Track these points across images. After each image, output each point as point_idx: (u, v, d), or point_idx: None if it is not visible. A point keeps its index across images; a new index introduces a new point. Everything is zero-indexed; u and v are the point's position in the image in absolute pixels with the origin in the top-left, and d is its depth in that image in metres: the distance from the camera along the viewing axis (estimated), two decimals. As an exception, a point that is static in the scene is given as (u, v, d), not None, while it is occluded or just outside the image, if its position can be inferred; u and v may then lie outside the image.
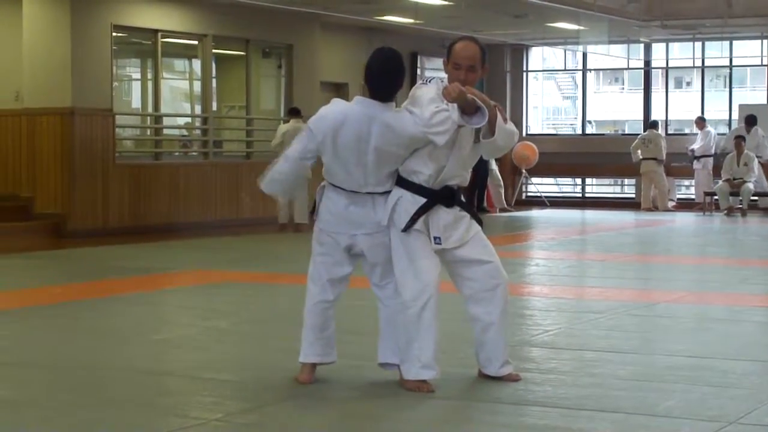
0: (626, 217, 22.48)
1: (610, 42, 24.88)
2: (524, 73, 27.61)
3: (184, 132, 20.38)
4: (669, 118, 26.40)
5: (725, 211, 22.28)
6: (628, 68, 28.50)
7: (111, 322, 8.80)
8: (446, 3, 19.33)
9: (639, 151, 23.96)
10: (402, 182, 6.11)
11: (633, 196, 26.15)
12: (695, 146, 24.42)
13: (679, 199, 25.41)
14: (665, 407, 5.72)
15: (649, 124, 24.73)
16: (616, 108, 34.54)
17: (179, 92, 20.52)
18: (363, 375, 6.38)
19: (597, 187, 28.10)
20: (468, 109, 5.93)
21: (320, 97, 20.23)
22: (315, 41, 21.30)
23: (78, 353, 7.34)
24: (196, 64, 19.71)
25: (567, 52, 27.58)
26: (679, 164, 24.64)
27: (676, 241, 17.77)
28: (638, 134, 25.10)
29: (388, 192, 6.12)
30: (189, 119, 20.18)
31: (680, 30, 23.30)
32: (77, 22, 16.91)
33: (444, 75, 6.21)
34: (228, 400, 5.94)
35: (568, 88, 33.36)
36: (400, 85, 6.11)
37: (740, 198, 22.25)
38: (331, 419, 5.60)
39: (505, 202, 24.19)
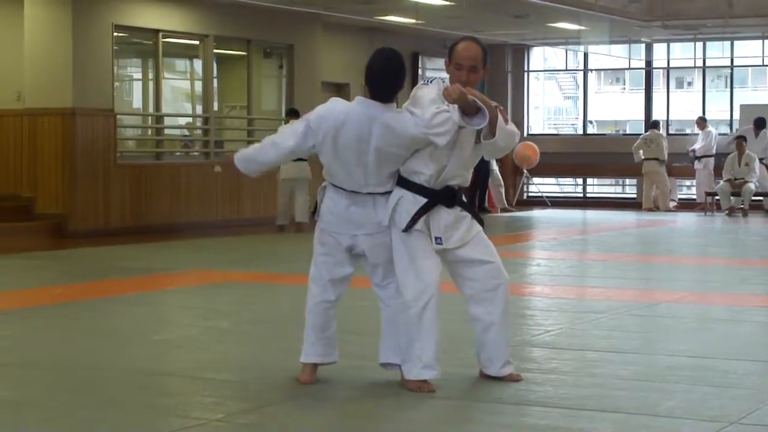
0: (627, 217, 22.48)
1: (612, 42, 24.88)
2: (525, 73, 27.61)
3: (186, 132, 20.38)
4: (670, 118, 26.39)
5: (726, 212, 22.27)
6: (629, 68, 28.49)
7: (112, 322, 8.80)
8: (447, 3, 19.32)
9: (641, 152, 23.95)
10: (403, 182, 6.11)
11: (634, 196, 26.14)
12: (696, 146, 24.42)
13: (680, 199, 25.41)
14: (666, 407, 5.71)
15: (651, 124, 24.72)
16: (617, 108, 34.55)
17: (180, 92, 20.53)
18: (364, 375, 6.38)
19: (598, 187, 28.10)
20: (469, 110, 5.93)
21: (321, 97, 20.20)
22: (316, 41, 21.31)
23: (79, 353, 7.34)
24: (198, 64, 19.72)
25: (568, 52, 27.58)
26: (681, 164, 24.64)
27: (677, 241, 17.77)
28: (639, 134, 25.10)
29: (389, 192, 6.12)
30: (190, 119, 20.19)
31: (681, 30, 23.29)
32: (78, 22, 16.91)
33: (445, 75, 6.21)
34: (229, 400, 5.93)
35: (569, 88, 33.38)
36: (400, 85, 6.11)
37: (741, 198, 22.24)
38: (332, 419, 5.60)
39: (506, 202, 24.19)
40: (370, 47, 20.62)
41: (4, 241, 15.37)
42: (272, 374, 6.48)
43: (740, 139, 22.67)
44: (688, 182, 25.96)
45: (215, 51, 19.54)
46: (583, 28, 22.29)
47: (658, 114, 26.15)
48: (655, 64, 26.66)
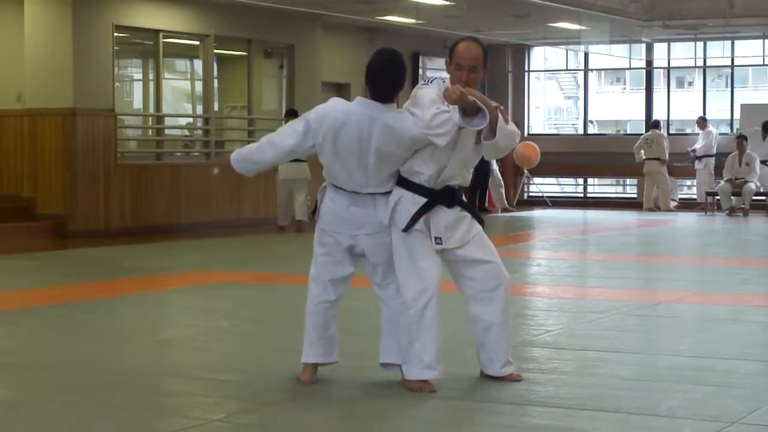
0: (628, 217, 22.47)
1: (612, 42, 24.87)
2: (526, 73, 27.61)
3: (186, 132, 20.38)
4: (671, 118, 26.39)
5: (727, 211, 22.27)
6: (629, 68, 28.47)
7: (112, 322, 8.80)
8: (448, 3, 19.32)
9: (642, 151, 23.95)
10: (403, 182, 6.11)
11: (635, 196, 26.14)
12: (696, 146, 24.41)
13: (680, 199, 25.40)
14: (667, 407, 5.71)
15: (651, 124, 24.71)
16: (617, 108, 34.53)
17: (181, 92, 20.53)
18: (365, 375, 6.38)
19: (599, 187, 28.09)
20: (469, 111, 5.93)
21: (322, 97, 20.16)
22: (316, 41, 21.31)
23: (79, 354, 7.34)
24: (198, 64, 19.72)
25: (569, 52, 27.57)
26: (681, 164, 24.63)
27: (677, 241, 17.76)
28: (640, 134, 25.10)
29: (389, 192, 6.12)
30: (191, 119, 20.19)
31: (682, 30, 23.29)
32: (79, 22, 16.91)
33: (446, 75, 6.21)
34: (229, 400, 5.93)
35: (569, 88, 33.35)
36: (401, 86, 6.11)
37: (742, 198, 22.23)
38: (333, 419, 5.61)
39: (506, 202, 24.18)
40: (370, 47, 20.64)
41: (4, 241, 15.38)
42: (273, 374, 6.48)
43: (741, 139, 22.67)
44: (688, 182, 25.96)
45: (216, 51, 19.54)
46: (583, 27, 22.29)
47: (658, 114, 26.14)
48: (655, 63, 26.65)
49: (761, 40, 25.22)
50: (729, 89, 26.80)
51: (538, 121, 28.69)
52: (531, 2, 18.88)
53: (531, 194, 26.84)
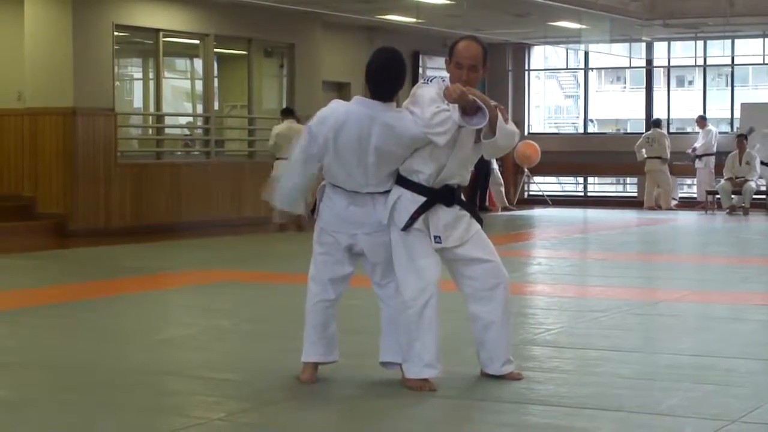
0: (628, 215, 22.48)
1: (612, 41, 24.84)
2: (526, 72, 27.60)
3: (186, 131, 20.38)
4: (671, 116, 26.38)
5: (727, 210, 22.27)
6: (630, 67, 28.47)
7: (112, 321, 8.80)
8: (448, 2, 19.32)
9: (643, 150, 23.95)
10: (402, 181, 6.10)
11: (635, 194, 26.13)
12: (696, 145, 24.41)
13: (681, 198, 25.39)
14: (668, 406, 5.71)
15: (653, 123, 24.69)
16: (618, 107, 34.51)
17: (181, 92, 20.53)
18: (365, 374, 6.38)
19: (599, 185, 28.10)
20: (469, 110, 5.93)
21: (322, 96, 20.23)
22: (317, 40, 21.31)
23: (79, 353, 7.34)
24: (198, 63, 19.72)
25: (569, 51, 27.56)
26: (681, 163, 24.63)
27: (678, 240, 17.76)
28: (640, 133, 25.11)
29: (388, 191, 6.11)
30: (191, 119, 20.19)
31: (682, 29, 23.28)
32: (79, 21, 16.91)
33: (445, 74, 6.20)
34: (230, 399, 5.93)
35: (570, 87, 33.34)
36: (401, 85, 6.10)
37: (742, 197, 22.23)
38: (333, 418, 5.60)
39: (506, 200, 24.19)
40: (370, 46, 20.63)
41: (4, 240, 15.38)
42: (273, 373, 6.48)
43: (741, 138, 22.68)
44: (689, 181, 25.95)
45: (216, 50, 19.54)
46: (583, 26, 22.28)
47: (658, 113, 26.13)
48: (655, 62, 26.64)
49: (761, 39, 25.21)
50: (729, 88, 26.80)
51: (539, 120, 28.69)
52: (531, 1, 18.88)
53: (531, 193, 26.84)
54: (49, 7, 16.92)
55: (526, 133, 26.32)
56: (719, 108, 27.61)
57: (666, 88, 26.73)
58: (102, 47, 17.26)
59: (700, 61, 26.29)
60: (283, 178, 6.28)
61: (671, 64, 26.78)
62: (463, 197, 6.27)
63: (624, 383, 6.25)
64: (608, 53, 26.58)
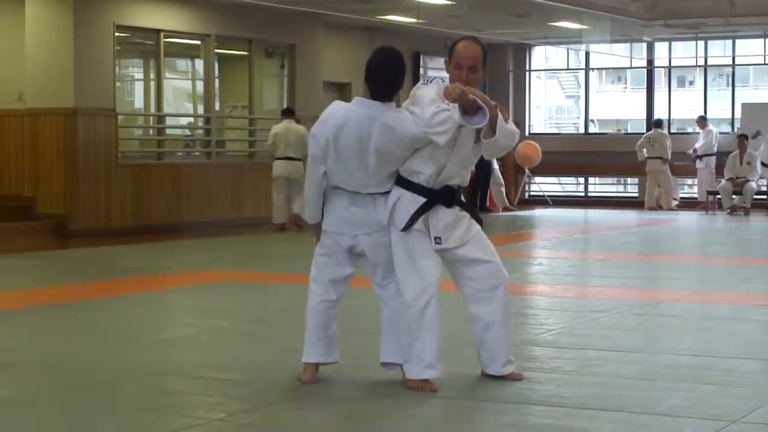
0: (629, 216, 22.47)
1: (613, 41, 24.85)
2: (527, 73, 27.60)
3: (187, 132, 20.38)
4: (672, 117, 26.38)
5: (728, 210, 22.27)
6: (630, 67, 28.46)
7: (113, 322, 8.80)
8: (448, 2, 19.32)
9: (644, 150, 23.94)
10: (402, 182, 6.10)
11: (636, 195, 26.14)
12: (697, 145, 24.40)
13: (682, 198, 25.39)
14: (668, 406, 5.71)
15: (654, 123, 24.68)
16: (618, 107, 34.50)
17: (182, 92, 20.53)
18: (365, 374, 6.38)
19: (600, 186, 28.09)
20: (469, 109, 5.92)
21: (323, 97, 20.25)
22: (317, 41, 21.31)
23: (79, 353, 7.34)
24: (199, 64, 19.72)
25: (570, 51, 27.56)
26: (682, 163, 24.62)
27: (679, 240, 17.76)
28: (641, 133, 25.11)
29: (388, 192, 6.11)
30: (192, 119, 20.19)
31: (683, 29, 23.28)
32: (80, 22, 16.91)
33: (446, 74, 6.20)
34: (230, 399, 5.93)
35: (570, 88, 33.32)
36: (400, 84, 6.10)
37: (743, 197, 22.23)
38: (334, 419, 5.60)
39: (507, 201, 24.19)
40: (371, 47, 20.60)
41: (5, 240, 15.38)
42: (274, 374, 6.48)
43: (742, 138, 22.68)
44: (689, 181, 25.95)
45: (217, 51, 19.54)
46: (584, 27, 22.29)
47: (659, 113, 26.13)
48: (656, 63, 26.65)
49: (762, 39, 25.21)
50: (730, 88, 26.80)
51: (539, 121, 28.68)
52: (532, 2, 18.88)
53: (532, 193, 26.84)
54: (50, 7, 16.92)
55: (526, 133, 26.32)
56: (720, 108, 27.60)
57: (667, 89, 26.73)
58: (103, 48, 17.26)
59: (701, 62, 26.28)
60: (307, 192, 6.23)
61: (672, 65, 26.78)
62: (463, 198, 6.27)
63: (624, 383, 6.25)
64: (609, 53, 26.58)
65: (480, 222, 6.29)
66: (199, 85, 19.77)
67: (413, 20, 20.92)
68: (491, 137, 6.01)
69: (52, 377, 6.55)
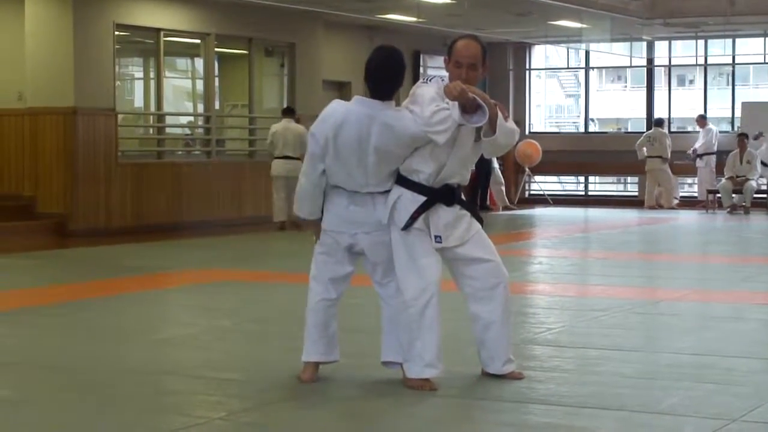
0: (629, 215, 22.47)
1: (613, 40, 24.85)
2: (527, 72, 27.60)
3: (187, 131, 20.38)
4: (672, 116, 26.38)
5: (728, 209, 22.27)
6: (630, 66, 28.48)
7: (113, 321, 8.80)
8: (449, 1, 19.32)
9: (644, 149, 23.94)
10: (402, 181, 6.10)
11: (636, 194, 26.13)
12: (697, 144, 24.40)
13: (682, 197, 25.39)
14: (668, 405, 5.71)
15: (655, 122, 24.66)
16: (618, 106, 34.51)
17: (182, 91, 20.53)
18: (366, 373, 6.38)
19: (600, 185, 28.09)
20: (469, 108, 5.92)
21: (323, 95, 20.24)
22: (317, 40, 21.30)
23: (79, 353, 7.34)
24: (199, 62, 19.72)
25: (570, 50, 27.56)
26: (682, 162, 24.62)
27: (679, 239, 17.76)
28: (641, 132, 25.11)
29: (388, 191, 6.11)
30: (192, 118, 20.19)
31: (683, 28, 23.28)
32: (80, 21, 16.91)
33: (445, 73, 6.20)
34: (231, 398, 5.93)
35: (570, 86, 33.32)
36: (400, 83, 6.10)
37: (743, 196, 22.22)
38: (334, 418, 5.60)
39: (507, 200, 24.19)
40: (371, 46, 20.58)
41: (5, 240, 15.38)
42: (274, 373, 6.48)
43: (742, 137, 22.68)
44: (689, 180, 25.95)
45: (217, 50, 19.53)
46: (584, 26, 22.29)
47: (659, 112, 26.13)
48: (656, 61, 26.65)
49: (762, 38, 25.21)
50: (730, 87, 26.80)
51: (540, 119, 28.68)
52: (532, 0, 18.87)
53: (532, 192, 26.84)
54: (50, 6, 16.92)
55: (527, 132, 26.32)
56: (720, 107, 27.60)
57: (667, 88, 26.74)
58: (103, 47, 17.26)
59: (701, 60, 26.28)
60: (300, 189, 6.23)
61: (672, 63, 26.78)
62: (463, 197, 6.27)
63: (625, 382, 6.25)
64: (609, 52, 26.59)
65: (480, 221, 6.29)
66: (199, 84, 19.76)
67: (413, 19, 20.91)
68: (491, 136, 6.01)
69: (52, 377, 6.55)
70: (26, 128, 17.19)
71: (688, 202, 24.68)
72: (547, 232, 18.21)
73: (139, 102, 19.83)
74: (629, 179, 27.34)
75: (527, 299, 9.87)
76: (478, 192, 22.35)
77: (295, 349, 6.43)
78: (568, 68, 29.55)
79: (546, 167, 25.68)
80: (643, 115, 26.82)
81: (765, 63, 25.97)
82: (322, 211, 6.22)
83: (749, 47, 26.41)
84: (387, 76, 6.06)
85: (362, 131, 5.99)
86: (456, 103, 5.91)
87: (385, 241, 6.11)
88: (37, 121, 17.07)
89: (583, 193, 27.59)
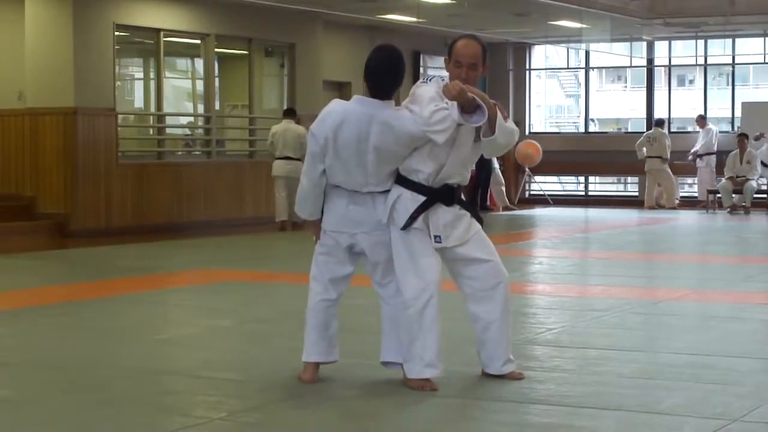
0: (629, 215, 22.47)
1: (613, 40, 24.86)
2: (527, 72, 27.61)
3: (187, 131, 20.39)
4: (672, 116, 26.38)
5: (728, 209, 22.27)
6: (630, 66, 28.48)
7: (113, 321, 8.80)
8: (449, 1, 19.32)
9: (644, 149, 23.94)
10: (401, 181, 6.10)
11: (636, 194, 26.14)
12: (697, 146, 24.39)
13: (682, 197, 25.39)
14: (668, 405, 5.71)
15: (655, 122, 24.67)
16: (618, 106, 34.50)
17: (182, 91, 20.53)
18: (366, 374, 6.38)
19: (600, 185, 28.09)
20: (468, 108, 5.93)
21: (323, 96, 20.24)
22: (317, 40, 21.30)
23: (80, 353, 7.34)
24: (199, 63, 19.72)
25: (570, 50, 27.56)
26: (683, 162, 24.62)
27: (679, 239, 17.76)
28: (641, 132, 25.11)
29: (388, 191, 6.11)
30: (192, 118, 20.19)
31: (683, 28, 23.29)
32: (79, 21, 16.91)
33: (445, 73, 6.21)
34: (231, 399, 5.93)
35: (570, 87, 33.32)
36: (399, 82, 6.10)
37: (743, 196, 22.22)
38: (335, 418, 5.60)
39: (507, 200, 24.19)
40: (371, 46, 20.48)
41: (5, 240, 15.38)
42: (274, 373, 6.48)
43: (742, 137, 22.68)
44: (690, 180, 25.95)
45: (216, 50, 19.54)
46: (584, 26, 22.29)
47: (659, 112, 26.14)
48: (656, 61, 26.65)
49: (762, 38, 25.21)
50: (730, 87, 26.80)
51: (540, 120, 28.68)
52: (532, 1, 18.87)
53: (532, 192, 26.85)
54: (50, 6, 16.92)
55: (527, 132, 26.33)
56: (720, 107, 27.60)
57: (667, 88, 26.74)
58: (103, 47, 17.26)
59: (701, 60, 26.29)
60: (301, 189, 6.23)
61: (672, 63, 26.79)
62: (463, 197, 6.27)
63: (625, 382, 6.25)
64: (609, 52, 26.59)
65: (480, 221, 6.29)
66: (199, 85, 19.77)
67: (413, 19, 20.92)
68: (490, 136, 6.02)
69: (52, 376, 6.55)
70: (26, 128, 17.20)
71: (688, 202, 24.68)
72: (547, 233, 18.21)
73: (139, 102, 19.83)
74: (629, 179, 27.35)
75: (527, 299, 9.87)
76: (479, 192, 22.35)
77: (295, 350, 6.43)
78: (568, 68, 29.55)
79: (546, 167, 25.69)
80: (643, 115, 26.83)
81: (765, 63, 25.97)
82: (322, 212, 6.22)
83: (749, 47, 26.42)
84: (386, 76, 6.06)
85: (362, 130, 5.99)
86: (455, 102, 5.92)
87: (385, 241, 6.11)
88: (37, 121, 17.08)
89: (583, 193, 27.60)
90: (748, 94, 29.97)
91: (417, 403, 5.80)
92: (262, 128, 20.05)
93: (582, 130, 27.70)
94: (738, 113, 25.20)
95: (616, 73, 35.41)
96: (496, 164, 23.21)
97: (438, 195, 6.09)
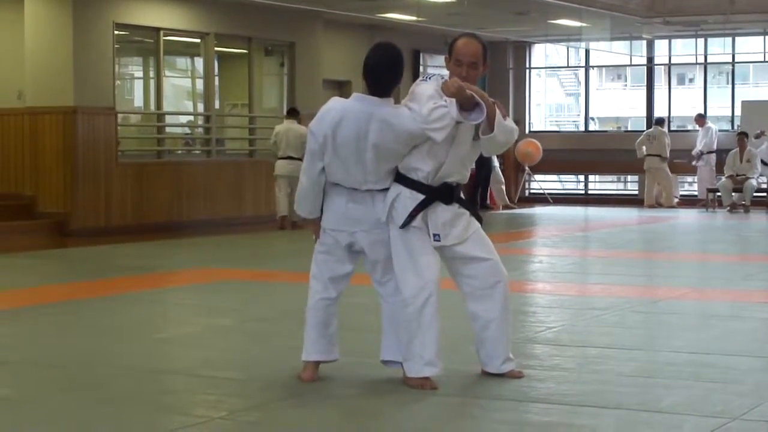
0: (629, 213, 22.47)
1: (613, 39, 24.85)
2: (527, 70, 27.60)
3: (187, 130, 20.39)
4: (672, 114, 26.38)
5: (728, 208, 22.27)
6: (630, 65, 28.48)
7: (113, 320, 8.80)
8: (448, 0, 19.31)
9: (644, 147, 23.94)
10: (400, 179, 6.10)
11: (636, 192, 26.14)
12: (699, 146, 24.37)
13: (682, 195, 25.39)
14: (668, 403, 5.71)
15: (655, 121, 24.67)
16: (618, 105, 34.53)
17: (182, 90, 20.53)
18: (366, 372, 6.38)
19: (600, 183, 28.09)
20: (467, 105, 5.92)
21: (323, 95, 20.23)
22: (317, 39, 21.30)
23: (79, 351, 7.34)
24: (199, 62, 19.72)
25: (569, 49, 27.56)
26: (682, 161, 24.62)
27: (678, 237, 17.75)
28: (641, 131, 25.10)
29: (387, 189, 6.11)
30: (191, 117, 20.19)
31: (683, 26, 23.29)
32: (79, 20, 16.91)
33: (445, 72, 6.20)
34: (231, 398, 5.93)
35: (570, 85, 33.34)
36: (398, 80, 6.09)
37: (743, 194, 22.22)
38: (334, 417, 5.60)
39: (507, 199, 24.19)
40: (371, 45, 20.53)
41: (5, 239, 15.38)
42: (274, 372, 6.48)
43: (741, 136, 22.68)
44: (689, 179, 25.95)
45: (216, 49, 19.53)
46: (584, 24, 22.29)
47: (659, 110, 26.14)
48: (656, 60, 26.64)
49: (762, 37, 25.20)
50: (730, 86, 26.80)
51: (539, 118, 28.69)
52: (532, -1, 18.89)
53: (532, 191, 26.84)
54: (50, 6, 16.92)
55: (527, 131, 26.33)
56: (720, 106, 27.61)
57: (667, 86, 26.74)
58: (102, 46, 17.26)
59: (701, 59, 26.29)
60: (300, 187, 6.23)
61: (672, 62, 26.79)
62: (463, 195, 6.27)
63: (625, 381, 6.25)
64: (609, 51, 26.59)
65: (480, 220, 6.29)
66: (199, 84, 19.77)
67: (413, 18, 20.92)
68: (489, 134, 6.02)
69: (51, 375, 6.55)
70: (26, 128, 17.19)
71: (688, 201, 24.68)
72: (547, 231, 18.21)
73: (139, 101, 19.82)
74: (629, 178, 27.34)
75: (527, 298, 9.87)
76: (479, 191, 22.34)
77: (295, 348, 6.43)
78: (568, 67, 29.56)
79: (546, 166, 25.68)
80: (643, 113, 26.82)
81: (765, 61, 25.95)
82: (322, 211, 6.22)
83: (749, 46, 26.42)
84: (385, 73, 6.06)
85: (360, 128, 5.99)
86: (454, 100, 5.92)
87: (384, 240, 6.11)
88: (37, 120, 17.07)
89: (583, 192, 27.60)
90: (748, 92, 29.99)
91: (417, 401, 5.80)
92: (261, 127, 20.05)
93: (582, 128, 27.70)
94: (738, 112, 25.20)
95: (616, 71, 35.44)
96: (496, 163, 23.19)
97: (437, 193, 6.09)
